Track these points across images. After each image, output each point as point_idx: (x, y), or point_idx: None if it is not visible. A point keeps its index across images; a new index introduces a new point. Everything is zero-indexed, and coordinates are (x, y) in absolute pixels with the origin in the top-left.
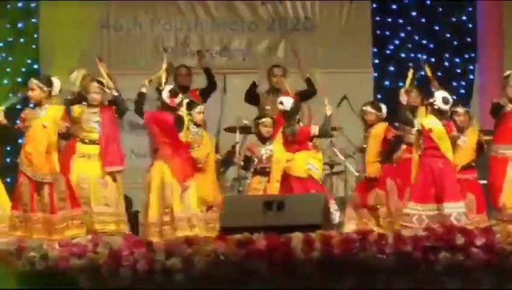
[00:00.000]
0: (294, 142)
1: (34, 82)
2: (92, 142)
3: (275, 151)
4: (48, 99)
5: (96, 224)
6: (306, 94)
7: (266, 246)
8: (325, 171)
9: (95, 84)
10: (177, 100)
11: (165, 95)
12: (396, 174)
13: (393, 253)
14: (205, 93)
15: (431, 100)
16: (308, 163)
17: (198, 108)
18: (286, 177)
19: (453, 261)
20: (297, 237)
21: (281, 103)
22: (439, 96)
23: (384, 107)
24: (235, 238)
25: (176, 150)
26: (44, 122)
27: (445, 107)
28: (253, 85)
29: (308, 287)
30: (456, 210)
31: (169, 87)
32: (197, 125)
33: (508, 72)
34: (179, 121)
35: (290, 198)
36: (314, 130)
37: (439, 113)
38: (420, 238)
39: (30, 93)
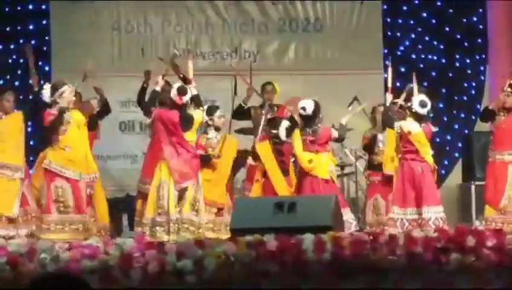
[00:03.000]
0: (315, 143)
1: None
2: None
3: (295, 147)
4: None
5: None
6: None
7: (277, 248)
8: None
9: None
10: (185, 98)
11: (173, 93)
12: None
13: (404, 254)
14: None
15: (409, 104)
16: (330, 165)
17: (219, 112)
18: (308, 177)
19: (464, 263)
20: (308, 239)
21: (304, 108)
22: (417, 100)
23: None
24: (246, 240)
25: (178, 149)
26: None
27: (423, 111)
28: (240, 106)
29: (319, 289)
30: (434, 215)
31: (177, 85)
32: (217, 129)
33: None
34: (186, 119)
35: (301, 200)
36: (335, 133)
37: (417, 117)
38: (431, 240)
39: (71, 98)
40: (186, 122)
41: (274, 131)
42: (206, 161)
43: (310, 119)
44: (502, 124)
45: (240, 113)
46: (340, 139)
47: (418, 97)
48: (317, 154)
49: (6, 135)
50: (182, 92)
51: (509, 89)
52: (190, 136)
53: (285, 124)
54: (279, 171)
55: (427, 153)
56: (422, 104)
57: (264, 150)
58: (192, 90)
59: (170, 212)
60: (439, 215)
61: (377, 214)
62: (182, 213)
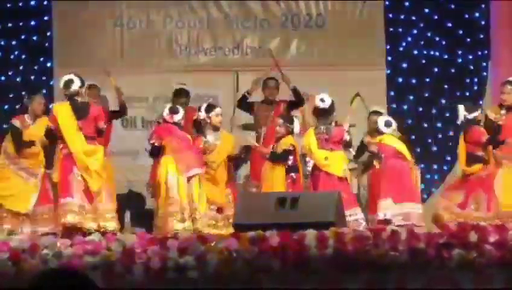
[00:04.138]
0: (328, 141)
1: None
2: None
3: (311, 145)
4: None
5: None
6: (295, 104)
7: (279, 243)
8: None
9: None
10: (177, 117)
11: (166, 112)
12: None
13: (406, 250)
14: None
15: (374, 125)
16: (345, 164)
17: (216, 111)
18: (322, 174)
19: (466, 258)
20: (310, 235)
21: (322, 100)
22: (382, 120)
23: None
24: (248, 236)
25: (180, 144)
26: None
27: (387, 131)
28: (244, 96)
29: (322, 284)
30: (415, 211)
31: (169, 105)
32: (215, 128)
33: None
34: (179, 124)
35: (303, 195)
36: (347, 136)
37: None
38: (433, 235)
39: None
40: (179, 125)
41: (291, 126)
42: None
43: (325, 114)
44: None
45: (243, 104)
46: (349, 145)
47: (384, 117)
48: (332, 151)
49: (36, 142)
50: (173, 111)
51: (509, 87)
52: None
53: (298, 119)
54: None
55: (404, 149)
56: (387, 124)
57: (295, 143)
58: None
59: (182, 200)
60: (419, 212)
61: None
62: (193, 203)
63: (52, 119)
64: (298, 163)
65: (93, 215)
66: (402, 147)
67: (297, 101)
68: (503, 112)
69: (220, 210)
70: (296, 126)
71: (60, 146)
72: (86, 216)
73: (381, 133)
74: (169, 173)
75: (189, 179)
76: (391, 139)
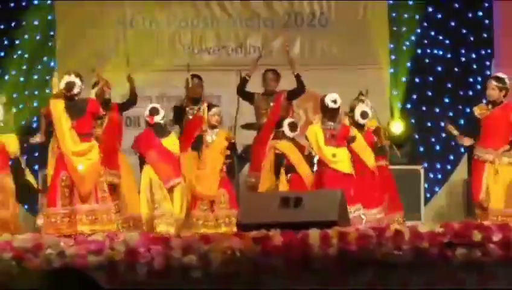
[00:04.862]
0: (334, 138)
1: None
2: None
3: (318, 140)
4: None
5: None
6: (295, 92)
7: (283, 243)
8: None
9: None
10: (157, 118)
11: (146, 113)
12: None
13: (409, 249)
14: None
15: (350, 113)
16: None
17: (214, 110)
18: (329, 170)
19: (470, 258)
20: (314, 234)
21: (335, 102)
22: (358, 110)
23: None
24: (252, 235)
25: (160, 152)
26: None
27: (363, 122)
28: (244, 80)
29: (325, 284)
30: (351, 214)
31: (151, 106)
32: (213, 126)
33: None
34: (159, 129)
35: (307, 195)
36: (352, 132)
37: (357, 126)
38: (437, 235)
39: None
40: (159, 131)
41: (278, 131)
42: (198, 144)
43: (336, 113)
44: (486, 119)
45: (243, 91)
46: (353, 141)
47: (360, 108)
48: (339, 148)
49: None
50: (153, 112)
51: (494, 82)
52: (168, 142)
53: (287, 121)
54: (307, 166)
55: (368, 155)
56: (363, 115)
57: (286, 147)
58: None
59: (163, 206)
60: (356, 214)
61: None
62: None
63: (47, 111)
64: (292, 163)
65: (72, 220)
66: (366, 154)
67: (299, 88)
68: (489, 107)
69: (212, 205)
70: (285, 128)
71: (56, 145)
72: (64, 223)
73: (356, 124)
74: (153, 181)
75: (170, 189)
76: (359, 145)
